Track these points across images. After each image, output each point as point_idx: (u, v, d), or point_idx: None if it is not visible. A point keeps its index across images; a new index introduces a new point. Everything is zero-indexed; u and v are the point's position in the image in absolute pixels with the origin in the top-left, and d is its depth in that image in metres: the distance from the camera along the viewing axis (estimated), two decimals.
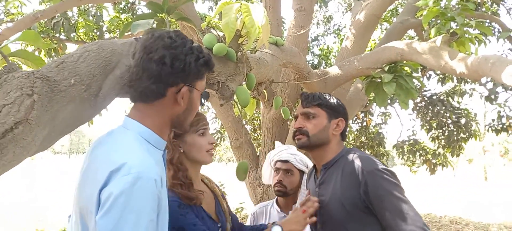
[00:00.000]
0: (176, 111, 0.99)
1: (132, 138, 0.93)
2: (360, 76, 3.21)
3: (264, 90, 2.08)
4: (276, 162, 2.05)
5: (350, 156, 1.44)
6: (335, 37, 9.00)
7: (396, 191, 1.29)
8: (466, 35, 2.46)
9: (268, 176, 2.16)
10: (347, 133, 1.59)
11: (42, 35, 5.63)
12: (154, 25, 1.44)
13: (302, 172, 2.03)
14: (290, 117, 4.27)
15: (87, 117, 0.98)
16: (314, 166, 1.61)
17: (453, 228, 7.93)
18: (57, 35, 5.74)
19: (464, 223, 8.63)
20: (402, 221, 1.24)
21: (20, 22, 4.06)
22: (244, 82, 1.47)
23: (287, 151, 2.04)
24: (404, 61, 2.83)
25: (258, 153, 4.45)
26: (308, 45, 8.66)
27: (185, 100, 0.98)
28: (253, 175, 4.26)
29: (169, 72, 0.92)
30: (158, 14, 1.46)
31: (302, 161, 2.02)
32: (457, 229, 7.81)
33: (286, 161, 2.01)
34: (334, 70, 3.12)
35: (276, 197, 2.11)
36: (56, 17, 5.43)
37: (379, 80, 2.84)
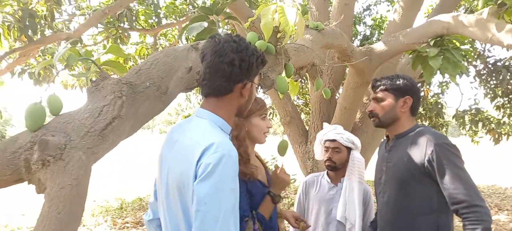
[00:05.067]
0: (240, 102, 1.21)
1: (209, 125, 1.14)
2: (406, 51, 3.22)
3: (306, 73, 2.26)
4: (325, 141, 2.27)
5: (421, 131, 1.69)
6: (388, 5, 8.63)
7: (457, 162, 1.54)
8: None
9: (319, 153, 2.40)
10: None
11: (109, 26, 6.24)
12: (206, 26, 1.69)
13: (349, 148, 2.23)
14: (337, 96, 4.38)
15: (159, 110, 1.27)
16: (387, 136, 1.87)
17: None
18: (122, 24, 6.28)
19: None
20: (459, 186, 1.48)
21: (91, 18, 4.60)
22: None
23: (334, 131, 2.25)
24: (451, 35, 2.80)
25: (307, 128, 4.65)
26: (360, 16, 8.46)
27: (247, 93, 1.21)
28: (303, 149, 4.49)
29: (237, 72, 1.13)
30: (208, 16, 1.71)
31: (348, 139, 2.22)
32: None
33: (333, 140, 2.22)
34: (379, 47, 3.17)
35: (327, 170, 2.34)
36: None
37: (426, 54, 2.85)
